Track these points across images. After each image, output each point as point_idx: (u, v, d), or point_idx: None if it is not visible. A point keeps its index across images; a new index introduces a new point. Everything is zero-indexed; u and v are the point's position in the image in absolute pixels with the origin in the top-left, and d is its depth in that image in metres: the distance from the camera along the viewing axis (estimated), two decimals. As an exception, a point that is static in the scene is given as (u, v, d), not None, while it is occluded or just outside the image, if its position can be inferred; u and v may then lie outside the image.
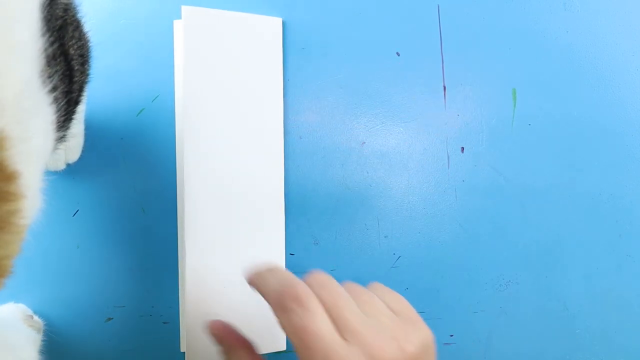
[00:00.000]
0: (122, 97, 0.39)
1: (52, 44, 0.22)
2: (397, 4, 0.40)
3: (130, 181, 0.38)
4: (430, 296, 0.38)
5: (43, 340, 0.36)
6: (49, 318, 0.37)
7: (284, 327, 0.28)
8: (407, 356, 0.28)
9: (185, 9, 0.36)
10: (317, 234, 0.38)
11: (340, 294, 0.28)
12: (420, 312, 0.38)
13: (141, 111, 0.39)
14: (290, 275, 0.29)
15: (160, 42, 0.40)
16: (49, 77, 0.22)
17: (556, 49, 0.40)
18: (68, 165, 0.37)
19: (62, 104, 0.24)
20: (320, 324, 0.27)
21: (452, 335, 0.38)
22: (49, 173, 0.36)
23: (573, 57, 0.39)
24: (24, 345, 0.32)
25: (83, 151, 0.37)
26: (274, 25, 0.37)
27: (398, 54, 0.40)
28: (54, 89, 0.22)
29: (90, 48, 0.27)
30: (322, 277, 0.29)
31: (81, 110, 0.32)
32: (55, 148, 0.27)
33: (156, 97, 0.39)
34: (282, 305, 0.27)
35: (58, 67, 0.23)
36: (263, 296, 0.29)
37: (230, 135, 0.37)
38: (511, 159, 0.39)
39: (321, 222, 0.38)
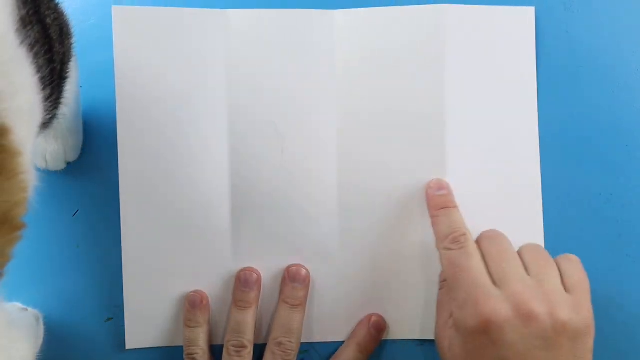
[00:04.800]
0: (122, 97, 0.38)
1: (25, 6, 0.23)
2: (397, 3, 0.40)
3: (130, 181, 0.38)
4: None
5: (43, 339, 0.36)
6: (49, 318, 0.37)
7: (443, 263, 0.33)
8: (555, 321, 0.29)
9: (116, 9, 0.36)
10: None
11: (507, 251, 0.32)
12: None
13: (141, 111, 0.39)
14: (460, 222, 0.34)
15: (160, 42, 0.39)
16: (27, 37, 0.23)
17: (556, 49, 0.39)
18: (68, 164, 0.37)
19: (45, 71, 0.25)
20: (473, 264, 0.31)
21: None
22: (49, 173, 0.36)
23: (573, 57, 0.39)
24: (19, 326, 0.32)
25: (83, 151, 0.37)
26: (218, 17, 0.36)
27: (398, 54, 0.39)
28: (34, 52, 0.23)
29: (69, 23, 0.28)
30: (495, 234, 0.33)
31: (74, 93, 0.32)
32: (47, 124, 0.28)
33: (156, 97, 0.39)
34: (444, 244, 0.33)
35: (36, 34, 0.24)
36: (434, 230, 0.35)
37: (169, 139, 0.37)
38: (511, 159, 0.39)
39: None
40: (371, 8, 0.37)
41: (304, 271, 0.36)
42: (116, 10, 0.36)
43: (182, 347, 0.36)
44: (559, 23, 0.40)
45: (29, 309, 0.36)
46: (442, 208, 0.35)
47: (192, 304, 0.36)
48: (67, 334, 0.37)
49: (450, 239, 0.33)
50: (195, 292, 0.36)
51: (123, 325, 0.37)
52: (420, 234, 0.37)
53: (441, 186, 0.36)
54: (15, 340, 0.26)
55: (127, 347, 0.37)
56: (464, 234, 0.33)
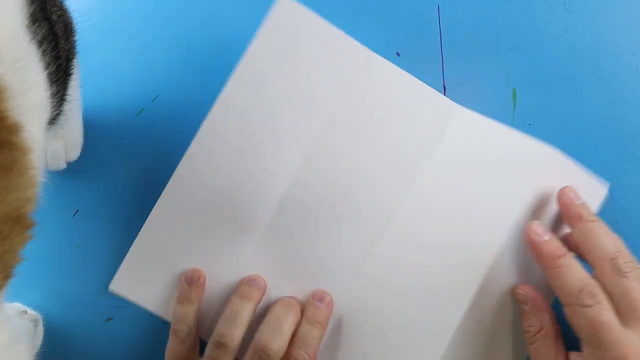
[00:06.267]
0: (122, 97, 0.39)
1: (33, 3, 0.23)
2: (397, 4, 0.40)
3: (130, 181, 0.38)
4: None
5: (43, 339, 0.36)
6: (49, 318, 0.37)
7: (579, 321, 0.32)
8: None
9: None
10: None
11: (632, 287, 0.31)
12: (420, 312, 0.38)
13: (141, 111, 0.39)
14: (584, 271, 0.32)
15: (160, 42, 0.40)
16: (36, 34, 0.23)
17: (556, 49, 0.40)
18: (68, 164, 0.37)
19: (52, 67, 0.25)
20: (612, 318, 0.31)
21: (452, 335, 0.38)
22: (49, 173, 0.36)
23: (573, 57, 0.39)
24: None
25: (83, 151, 0.37)
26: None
27: (398, 54, 0.39)
28: (42, 49, 0.24)
29: (72, 20, 0.29)
30: (616, 264, 0.32)
31: (76, 92, 0.32)
32: (53, 120, 0.28)
33: (156, 97, 0.39)
34: (580, 301, 0.31)
35: (43, 30, 0.24)
36: (554, 287, 0.33)
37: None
38: (511, 159, 0.39)
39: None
40: (492, 120, 0.37)
41: (328, 297, 0.36)
42: (282, 2, 0.35)
43: (164, 328, 0.36)
44: (559, 23, 0.40)
45: (29, 310, 0.36)
46: (561, 256, 0.33)
47: (189, 281, 0.35)
48: (67, 334, 0.37)
49: (585, 294, 0.31)
50: (194, 269, 0.36)
51: (123, 326, 0.37)
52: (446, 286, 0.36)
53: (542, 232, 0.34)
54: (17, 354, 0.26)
55: (111, 288, 0.36)
56: (596, 285, 0.32)
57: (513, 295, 0.36)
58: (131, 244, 0.37)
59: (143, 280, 0.36)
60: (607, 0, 0.40)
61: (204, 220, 0.36)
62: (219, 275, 0.36)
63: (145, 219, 0.37)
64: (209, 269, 0.36)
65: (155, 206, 0.36)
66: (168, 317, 0.36)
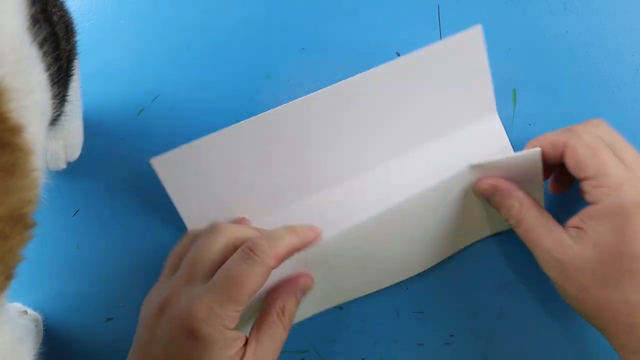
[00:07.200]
0: (122, 97, 0.39)
1: (34, 4, 0.23)
2: (397, 3, 0.40)
3: (130, 181, 0.38)
4: (430, 296, 0.38)
5: (43, 339, 0.36)
6: (49, 318, 0.37)
7: (577, 151, 0.31)
8: None
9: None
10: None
11: (618, 136, 0.33)
12: (420, 312, 0.38)
13: (141, 111, 0.39)
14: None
15: (160, 42, 0.40)
16: (37, 35, 0.23)
17: (556, 49, 0.40)
18: (68, 164, 0.37)
19: (53, 68, 0.25)
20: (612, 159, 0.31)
21: (452, 335, 0.38)
22: (49, 173, 0.36)
23: (573, 57, 0.39)
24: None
25: (83, 151, 0.37)
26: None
27: (398, 54, 0.39)
28: (44, 50, 0.24)
29: (73, 21, 0.29)
30: (598, 121, 0.33)
31: (76, 92, 0.32)
32: (54, 121, 0.28)
33: (156, 97, 0.39)
34: (576, 131, 0.33)
35: (44, 32, 0.24)
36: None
37: None
38: (511, 159, 0.39)
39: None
40: None
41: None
42: (476, 29, 0.35)
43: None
44: (559, 23, 0.40)
45: (29, 310, 0.36)
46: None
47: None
48: (67, 334, 0.37)
49: (580, 126, 0.33)
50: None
51: (123, 326, 0.37)
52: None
53: None
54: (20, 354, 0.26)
55: (152, 161, 0.34)
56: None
57: (477, 193, 0.35)
58: (131, 245, 0.37)
59: (184, 174, 0.35)
60: (607, 0, 0.40)
61: (268, 163, 0.36)
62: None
63: (145, 220, 0.37)
64: (250, 204, 0.37)
65: (229, 127, 0.34)
66: (183, 214, 0.36)
